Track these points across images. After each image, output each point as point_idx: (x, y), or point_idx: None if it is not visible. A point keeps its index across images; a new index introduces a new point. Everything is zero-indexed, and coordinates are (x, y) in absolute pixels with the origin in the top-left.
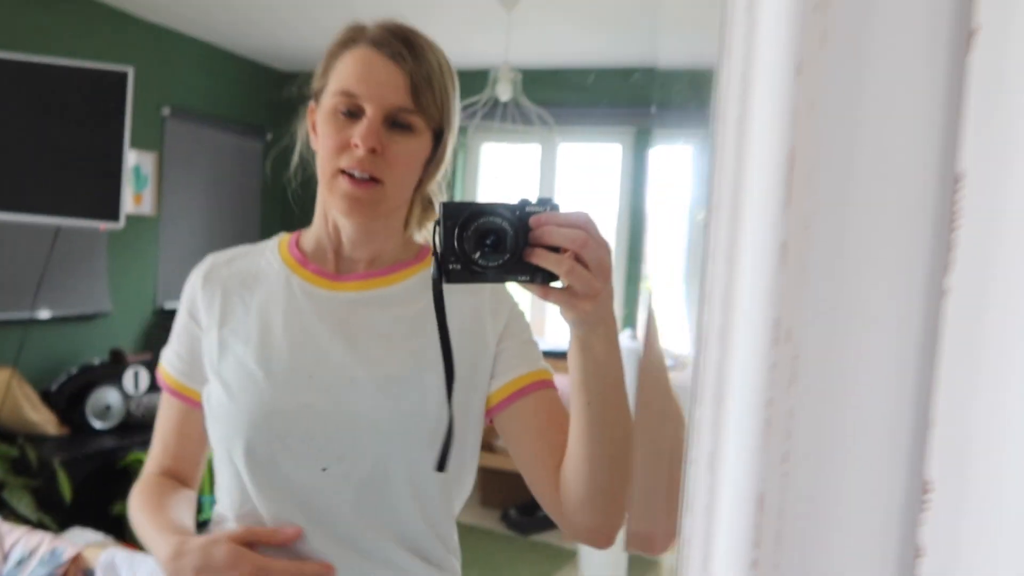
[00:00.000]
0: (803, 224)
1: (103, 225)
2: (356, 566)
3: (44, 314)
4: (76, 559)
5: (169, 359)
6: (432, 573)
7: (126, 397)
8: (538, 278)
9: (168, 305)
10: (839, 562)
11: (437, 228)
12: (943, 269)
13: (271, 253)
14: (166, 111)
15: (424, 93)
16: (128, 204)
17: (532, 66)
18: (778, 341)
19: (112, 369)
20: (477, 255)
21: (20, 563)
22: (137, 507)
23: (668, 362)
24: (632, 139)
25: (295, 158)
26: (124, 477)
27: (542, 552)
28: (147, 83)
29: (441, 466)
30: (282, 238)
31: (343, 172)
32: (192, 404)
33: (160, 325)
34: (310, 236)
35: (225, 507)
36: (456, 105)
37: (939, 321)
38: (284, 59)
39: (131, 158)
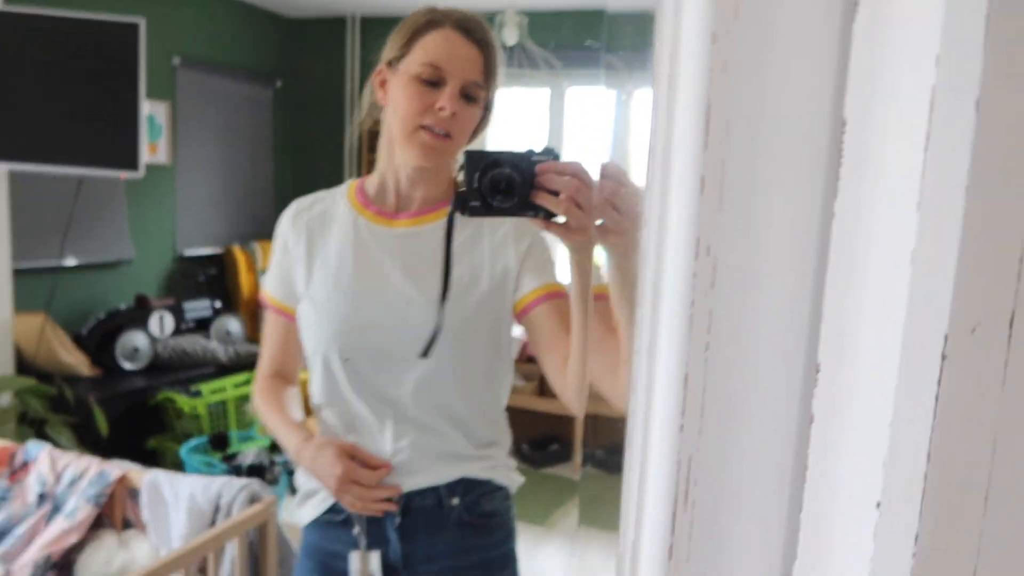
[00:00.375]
0: (719, 162)
1: (123, 174)
2: (418, 440)
3: (71, 261)
4: (122, 479)
5: (270, 285)
6: (478, 450)
7: (152, 340)
8: (541, 214)
9: (187, 252)
10: (751, 427)
11: (459, 173)
12: (832, 195)
13: (341, 197)
14: (176, 61)
15: (491, 73)
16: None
17: (538, 8)
18: (699, 255)
19: (138, 313)
20: (492, 197)
21: (72, 483)
22: (261, 403)
23: None
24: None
25: (362, 112)
26: (155, 414)
27: (553, 484)
28: (157, 33)
29: (425, 352)
30: (351, 184)
31: (423, 127)
32: (290, 319)
33: (180, 271)
34: (373, 181)
35: (319, 398)
36: (499, 84)
37: (828, 238)
38: (291, 5)
39: (145, 108)
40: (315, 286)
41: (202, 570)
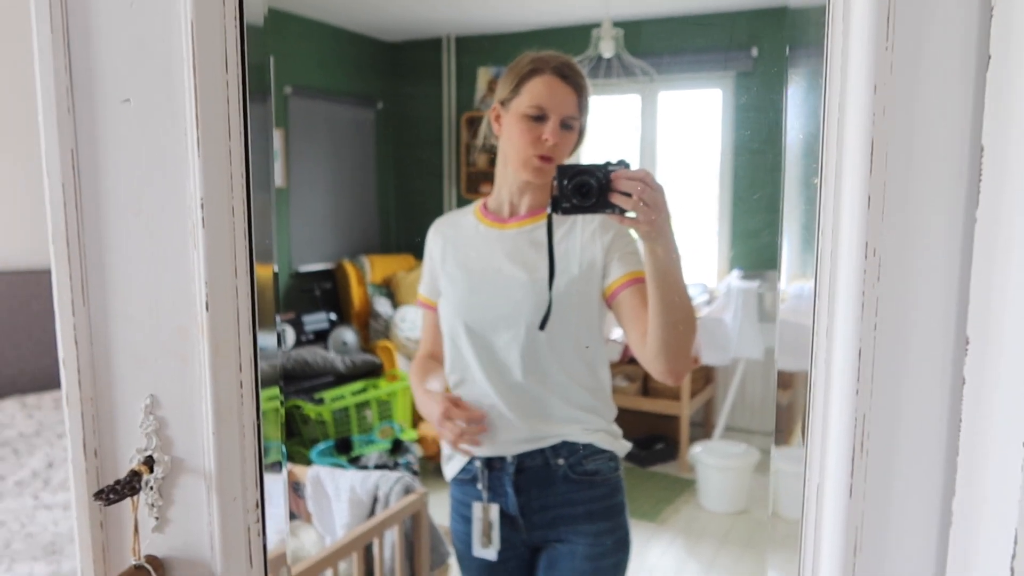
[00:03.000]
0: (881, 184)
1: None
2: (524, 405)
3: None
4: (289, 473)
5: (422, 286)
6: (577, 414)
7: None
8: (616, 211)
9: (302, 268)
10: (913, 389)
11: (554, 182)
12: (974, 205)
13: (469, 212)
14: (288, 90)
15: (583, 105)
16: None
17: (632, 18)
18: (868, 256)
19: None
20: (576, 199)
21: None
22: (412, 375)
23: (704, 296)
24: (732, 82)
25: (480, 140)
26: (288, 420)
27: (660, 482)
28: (271, 68)
29: (541, 326)
30: (477, 203)
31: (535, 155)
32: (435, 311)
33: (296, 287)
34: (493, 198)
35: (449, 368)
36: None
37: (971, 239)
38: (390, 30)
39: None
40: (447, 279)
41: (366, 554)
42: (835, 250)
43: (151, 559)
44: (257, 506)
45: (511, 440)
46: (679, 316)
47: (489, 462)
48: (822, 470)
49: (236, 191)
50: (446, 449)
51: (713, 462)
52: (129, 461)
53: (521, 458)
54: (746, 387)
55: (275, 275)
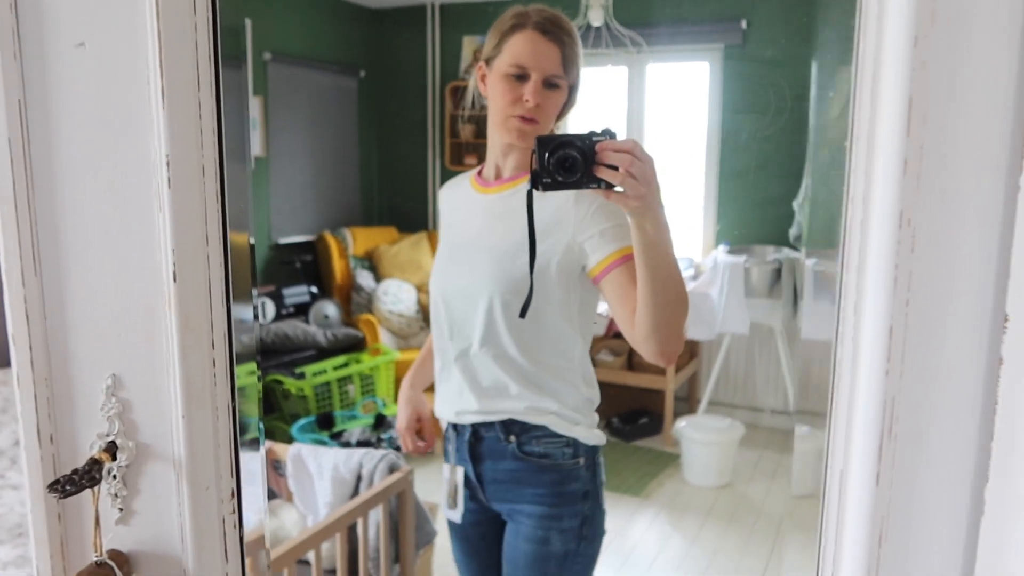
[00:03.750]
0: (918, 147)
1: None
2: (480, 375)
3: None
4: (268, 451)
5: None
6: (528, 393)
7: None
8: (602, 185)
9: (281, 240)
10: (947, 369)
11: (533, 155)
12: (1018, 171)
13: (467, 179)
14: (267, 56)
15: (569, 63)
16: (252, 149)
17: None
18: (902, 225)
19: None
20: (559, 174)
21: None
22: (424, 349)
23: (690, 270)
24: (720, 56)
25: (467, 102)
26: (263, 396)
27: (644, 456)
28: (250, 30)
29: (522, 314)
30: (475, 169)
31: (514, 116)
32: None
33: (276, 258)
34: (487, 161)
35: (435, 340)
36: (582, 66)
37: (1014, 207)
38: None
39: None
40: (443, 243)
41: (350, 534)
42: (865, 219)
43: (115, 554)
44: (233, 495)
45: (464, 410)
46: (670, 295)
47: (455, 426)
48: (846, 455)
49: (207, 149)
50: (436, 409)
51: (697, 436)
52: (89, 447)
53: (476, 427)
54: (730, 362)
55: (251, 245)
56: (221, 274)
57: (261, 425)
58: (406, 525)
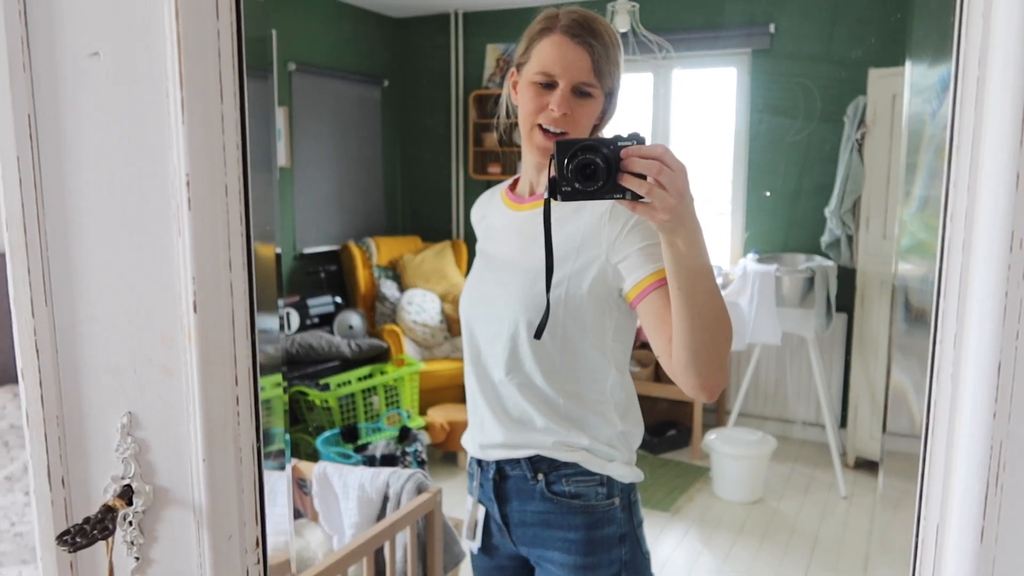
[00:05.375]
0: None
1: None
2: (506, 408)
3: None
4: (293, 469)
5: None
6: (556, 427)
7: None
8: (628, 195)
9: (307, 250)
10: None
11: (552, 161)
12: None
13: (499, 192)
14: (292, 67)
15: (602, 68)
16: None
17: None
18: (1013, 248)
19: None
20: (579, 182)
21: None
22: None
23: (719, 279)
24: (748, 60)
25: (502, 111)
26: (291, 408)
27: (673, 469)
28: (275, 42)
29: (537, 335)
30: (508, 181)
31: (539, 126)
32: None
33: (301, 269)
34: (521, 176)
35: (465, 366)
36: (622, 71)
37: None
38: (396, 6)
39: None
40: (480, 257)
41: (377, 556)
42: (969, 240)
43: None
44: (258, 544)
45: (488, 444)
46: (709, 320)
47: (479, 462)
48: (943, 507)
49: (230, 167)
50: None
51: (728, 450)
52: (103, 492)
53: (501, 465)
54: (761, 373)
55: (278, 255)
56: (245, 304)
57: (288, 439)
58: (434, 548)
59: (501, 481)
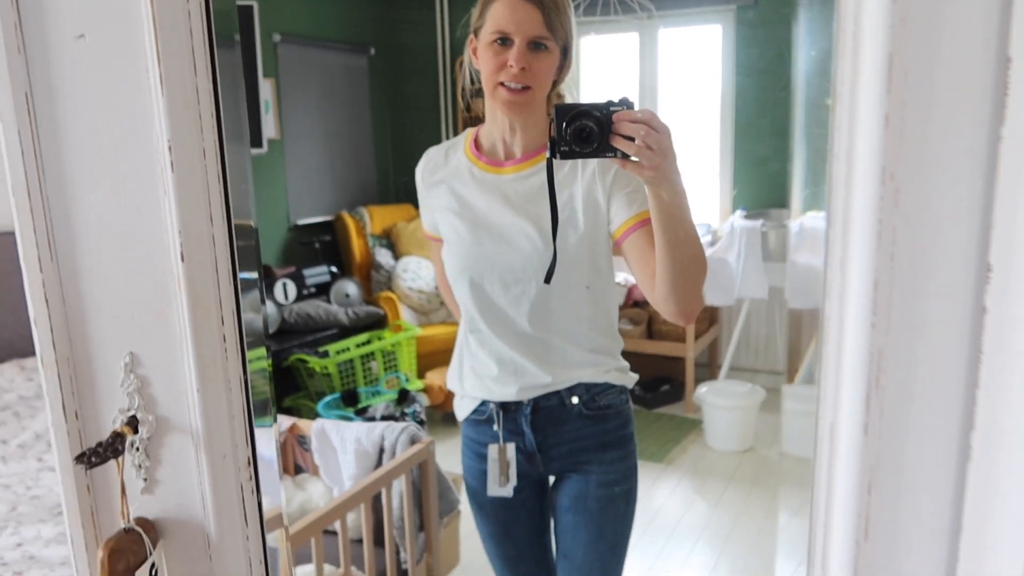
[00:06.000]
0: (900, 103)
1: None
2: (536, 352)
3: None
4: (292, 428)
5: (424, 220)
6: (591, 357)
7: (279, 306)
8: (619, 154)
9: (300, 221)
10: (932, 321)
11: (551, 124)
12: (1000, 122)
13: (460, 149)
14: (277, 38)
15: (554, 23)
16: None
17: None
18: (885, 180)
19: (264, 282)
20: (576, 143)
21: None
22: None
23: (707, 236)
24: (732, 17)
25: (466, 79)
26: (289, 375)
27: (667, 423)
28: (257, 13)
29: (547, 279)
30: (468, 134)
31: (501, 84)
32: (440, 243)
33: (295, 240)
34: (485, 133)
35: (462, 316)
36: (574, 26)
37: (996, 158)
38: None
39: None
40: (443, 225)
41: (375, 504)
42: (850, 175)
43: (141, 521)
44: (249, 463)
45: (529, 386)
46: (687, 257)
47: (504, 405)
48: (835, 408)
49: (207, 133)
50: (459, 389)
51: (719, 402)
52: (112, 422)
53: (537, 400)
54: (751, 327)
55: (255, 229)
56: (227, 253)
57: (274, 407)
58: (429, 494)
59: (535, 414)
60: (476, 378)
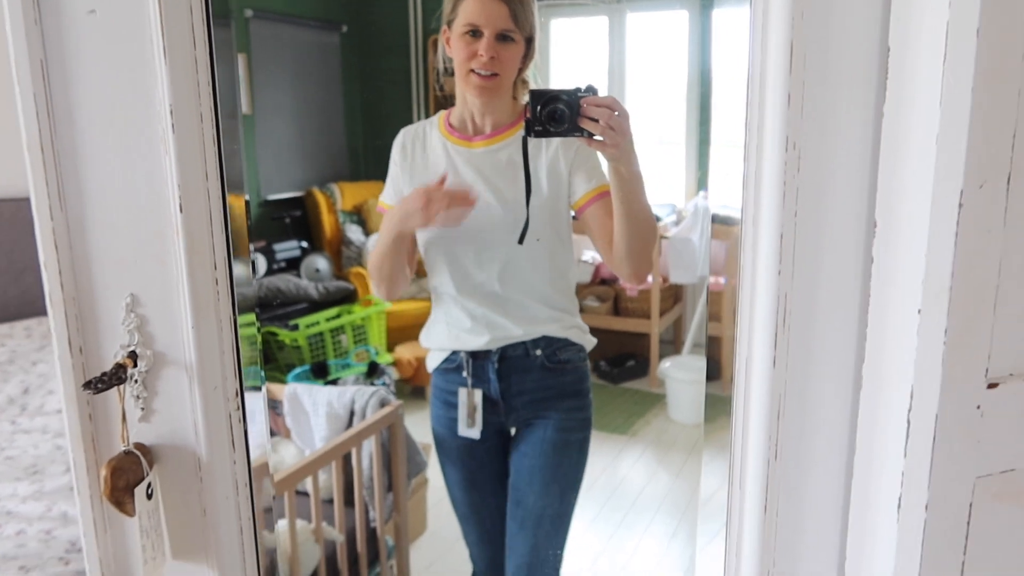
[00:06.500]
0: (800, 83)
1: None
2: (505, 309)
3: None
4: (266, 391)
5: (385, 195)
6: (553, 313)
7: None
8: (586, 134)
9: (271, 196)
10: (828, 268)
11: (527, 107)
12: (882, 100)
13: (434, 126)
14: (249, 13)
15: (519, 18)
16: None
17: None
18: (788, 149)
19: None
20: (549, 124)
21: None
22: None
23: (672, 216)
24: (698, 2)
25: (440, 65)
26: (263, 346)
27: (631, 397)
28: None
29: (520, 240)
30: (441, 115)
31: (472, 71)
32: None
33: (267, 215)
34: (455, 113)
35: (435, 280)
36: (537, 18)
37: (879, 131)
38: None
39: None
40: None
41: (345, 464)
42: (760, 144)
43: (139, 446)
44: (237, 394)
45: (500, 337)
46: (641, 226)
47: (474, 354)
48: (750, 345)
49: (203, 98)
50: (433, 343)
51: (682, 376)
52: (114, 356)
53: (504, 349)
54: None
55: (246, 203)
56: (220, 206)
57: (262, 372)
58: (398, 455)
59: (502, 362)
60: (449, 331)
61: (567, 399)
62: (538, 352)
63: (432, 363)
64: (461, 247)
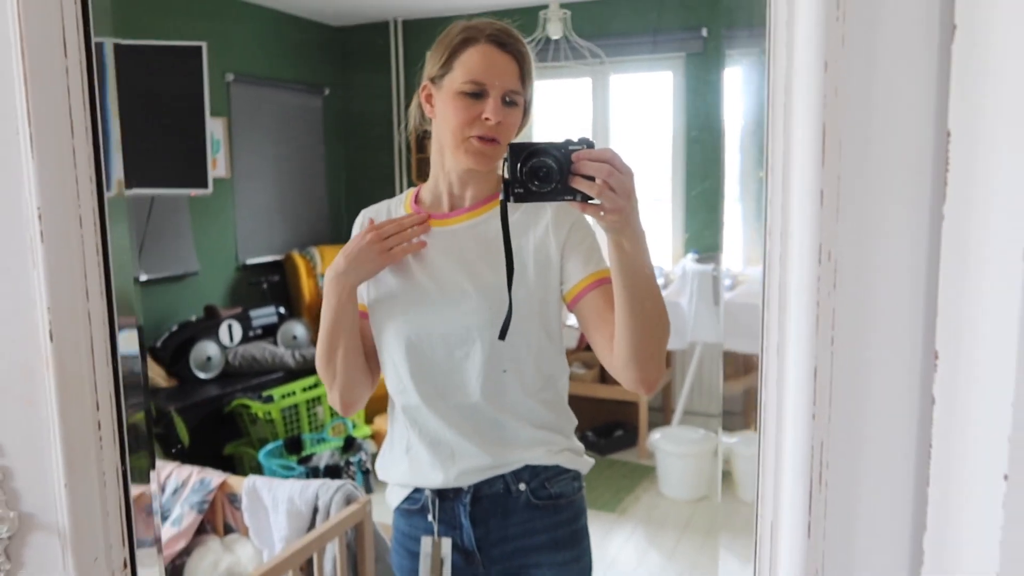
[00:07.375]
0: (835, 177)
1: (194, 192)
2: (478, 429)
3: (143, 277)
4: (222, 485)
5: None
6: (540, 434)
7: (223, 348)
8: (578, 197)
9: (249, 261)
10: (876, 412)
11: (505, 163)
12: (941, 200)
13: (400, 206)
14: (230, 77)
15: (526, 77)
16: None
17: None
18: (822, 261)
19: (208, 323)
20: (533, 184)
21: (175, 492)
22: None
23: (727, 282)
24: (683, 64)
25: (412, 123)
26: (231, 421)
27: (620, 469)
28: (210, 52)
29: (502, 335)
30: (408, 193)
31: (472, 137)
32: (363, 315)
33: (244, 280)
34: (428, 188)
35: (392, 391)
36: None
37: (939, 238)
38: (335, 14)
39: (210, 127)
40: (377, 287)
41: (306, 569)
42: (784, 254)
43: None
44: (125, 565)
45: (469, 469)
46: (650, 317)
47: (441, 492)
48: (775, 506)
49: (84, 198)
50: (391, 478)
51: (672, 448)
52: None
53: (478, 486)
54: (703, 370)
55: (136, 280)
56: (105, 331)
57: (154, 460)
58: (364, 558)
59: (475, 503)
60: (408, 462)
61: (562, 548)
62: (522, 487)
63: (392, 500)
64: (428, 344)
